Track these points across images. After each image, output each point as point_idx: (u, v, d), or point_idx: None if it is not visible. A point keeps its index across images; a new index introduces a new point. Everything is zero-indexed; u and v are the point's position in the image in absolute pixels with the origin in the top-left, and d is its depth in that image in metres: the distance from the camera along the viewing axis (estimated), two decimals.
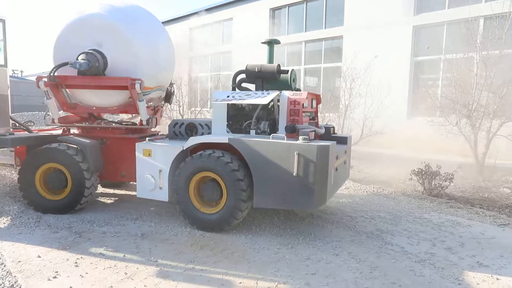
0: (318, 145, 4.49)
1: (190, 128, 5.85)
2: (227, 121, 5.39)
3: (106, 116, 7.11)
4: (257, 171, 4.74)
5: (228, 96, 5.23)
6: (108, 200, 6.55)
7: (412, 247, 4.72)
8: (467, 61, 11.45)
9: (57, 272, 3.85)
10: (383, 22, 13.26)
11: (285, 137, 4.74)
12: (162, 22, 6.77)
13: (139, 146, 5.43)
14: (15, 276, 3.74)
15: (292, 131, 4.91)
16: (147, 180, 5.38)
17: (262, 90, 5.59)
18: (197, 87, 19.77)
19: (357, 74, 10.82)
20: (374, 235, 5.10)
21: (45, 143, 5.70)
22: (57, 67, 5.48)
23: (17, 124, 6.25)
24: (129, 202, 6.44)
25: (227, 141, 4.89)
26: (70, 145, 5.63)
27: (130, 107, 6.03)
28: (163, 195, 5.33)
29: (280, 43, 5.92)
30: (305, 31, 16.23)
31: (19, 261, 4.08)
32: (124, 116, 8.48)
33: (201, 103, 17.07)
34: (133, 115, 6.96)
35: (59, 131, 6.36)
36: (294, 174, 4.53)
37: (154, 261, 4.15)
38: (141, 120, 5.98)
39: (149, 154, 5.37)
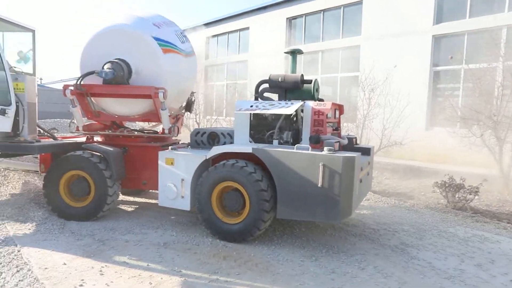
0: (343, 156, 4.44)
1: (212, 137, 5.86)
2: (249, 131, 5.39)
3: (127, 124, 7.16)
4: (281, 181, 4.71)
5: (251, 106, 5.23)
6: (129, 208, 6.59)
7: (440, 263, 4.59)
8: (490, 71, 11.32)
9: (83, 280, 3.86)
10: (402, 32, 13.17)
11: (310, 148, 4.70)
12: None
13: (162, 155, 5.45)
14: (42, 283, 3.77)
15: (316, 142, 4.87)
16: (169, 189, 5.39)
17: (285, 100, 5.58)
18: (212, 96, 19.89)
19: (376, 84, 10.72)
20: (398, 249, 4.99)
21: (70, 151, 5.78)
22: (84, 76, 5.57)
23: (42, 131, 6.36)
24: (150, 210, 6.46)
25: (250, 151, 4.87)
26: (94, 152, 5.70)
27: (152, 115, 6.08)
28: (185, 204, 5.33)
29: (303, 53, 5.92)
30: (322, 41, 16.23)
31: (46, 268, 4.11)
32: (141, 124, 8.60)
33: (217, 111, 17.16)
34: (155, 123, 7.01)
35: (83, 139, 6.44)
36: (319, 185, 4.48)
37: (178, 271, 4.13)
38: (163, 129, 6.01)
39: (172, 163, 5.39)
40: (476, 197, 7.00)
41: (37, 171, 6.51)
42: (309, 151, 4.60)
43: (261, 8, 18.67)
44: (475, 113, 9.01)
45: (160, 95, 5.54)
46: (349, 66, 15.07)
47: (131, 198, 7.22)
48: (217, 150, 5.12)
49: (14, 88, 5.24)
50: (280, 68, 17.86)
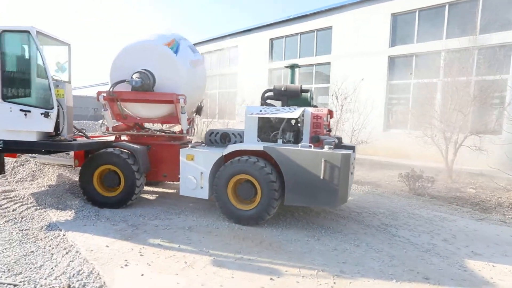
0: (342, 153, 4.40)
1: (224, 137, 5.68)
2: (257, 132, 5.25)
3: (147, 125, 6.86)
4: (289, 174, 4.62)
5: (260, 111, 5.10)
6: (151, 197, 6.31)
7: (416, 239, 4.64)
8: (432, 85, 11.68)
9: (126, 260, 3.64)
10: (364, 52, 13.37)
11: (312, 146, 4.63)
12: None
13: (183, 152, 5.24)
14: (91, 263, 3.53)
15: (316, 141, 4.82)
16: (190, 181, 5.19)
17: (287, 106, 5.48)
18: (208, 102, 19.50)
19: (347, 93, 10.81)
20: (381, 228, 5.01)
21: (102, 148, 5.47)
22: (115, 84, 5.28)
23: (76, 131, 5.98)
24: (169, 198, 6.22)
25: (262, 149, 4.75)
26: (123, 150, 5.41)
27: (172, 118, 5.84)
28: (204, 194, 5.15)
29: (300, 67, 5.83)
30: (299, 57, 16.22)
31: (92, 250, 3.85)
32: (156, 125, 8.27)
33: (211, 115, 16.84)
34: (172, 125, 6.74)
35: (111, 138, 6.11)
36: (321, 177, 4.42)
37: (206, 251, 3.96)
38: (181, 129, 5.78)
39: (192, 159, 5.19)
40: (432, 185, 7.16)
41: (71, 165, 6.11)
42: (313, 149, 4.53)
43: (247, 30, 18.47)
44: (422, 118, 9.27)
45: (181, 100, 5.33)
46: (322, 78, 15.17)
47: (151, 188, 6.93)
48: (232, 147, 4.97)
49: (55, 94, 4.87)
50: (264, 79, 17.86)
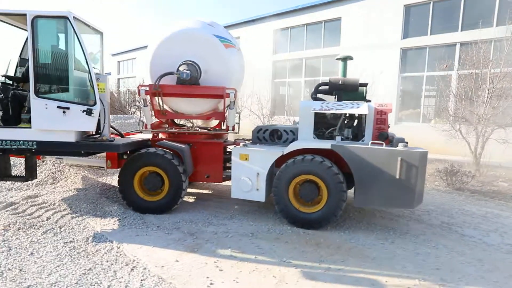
0: (420, 151, 4.12)
1: (274, 134, 5.28)
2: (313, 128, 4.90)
3: (180, 121, 6.36)
4: (359, 174, 4.30)
5: (321, 106, 4.73)
6: (189, 199, 5.85)
7: (487, 239, 4.45)
8: (447, 78, 11.64)
9: (208, 277, 3.23)
10: (375, 44, 13.15)
11: (384, 144, 4.32)
12: None
13: (236, 151, 4.81)
14: (170, 283, 3.09)
15: (385, 138, 4.51)
16: (244, 182, 4.78)
17: (342, 101, 5.14)
18: None
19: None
20: (445, 228, 4.80)
21: (144, 148, 4.96)
22: (161, 76, 4.75)
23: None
24: (210, 200, 5.79)
25: (329, 147, 4.40)
26: (167, 149, 4.93)
27: (216, 114, 5.39)
28: (260, 196, 4.76)
29: (353, 59, 5.48)
30: (305, 49, 15.86)
31: (162, 266, 3.41)
32: (181, 122, 7.74)
33: None
34: (206, 120, 6.26)
35: (147, 136, 5.58)
36: (397, 177, 4.13)
37: (287, 262, 3.61)
38: (227, 126, 5.33)
39: (246, 159, 4.77)
40: (472, 180, 7.05)
41: (103, 167, 5.56)
42: (387, 147, 4.22)
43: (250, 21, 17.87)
44: (446, 111, 9.18)
45: (231, 95, 4.88)
46: (329, 70, 14.89)
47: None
48: (295, 146, 4.59)
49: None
50: (269, 70, 17.32)
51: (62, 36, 4.28)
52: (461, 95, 8.58)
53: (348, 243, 4.12)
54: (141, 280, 3.16)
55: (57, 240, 4.01)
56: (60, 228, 4.33)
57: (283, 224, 4.65)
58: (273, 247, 3.97)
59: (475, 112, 8.04)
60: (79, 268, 3.40)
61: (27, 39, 5.05)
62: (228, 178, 5.40)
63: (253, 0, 64.95)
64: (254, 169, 4.73)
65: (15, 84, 4.79)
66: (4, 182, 6.01)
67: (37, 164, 6.47)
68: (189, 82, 4.77)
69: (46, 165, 6.49)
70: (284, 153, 4.61)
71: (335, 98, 5.39)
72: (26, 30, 5.01)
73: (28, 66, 4.49)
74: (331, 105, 4.71)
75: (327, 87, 5.23)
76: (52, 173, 6.30)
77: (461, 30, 11.55)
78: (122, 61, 29.70)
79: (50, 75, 4.26)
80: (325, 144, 4.46)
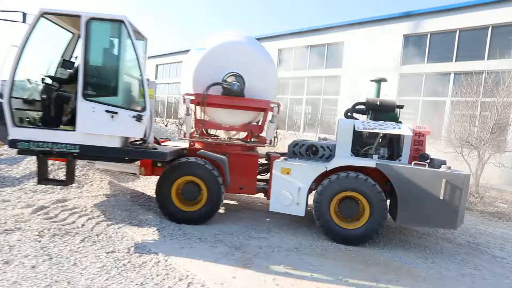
0: (464, 174, 4.00)
1: (309, 149, 5.06)
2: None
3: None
4: (403, 193, 4.13)
5: (364, 125, 4.57)
6: (220, 210, 5.49)
7: None
8: (441, 104, 11.89)
9: None
10: (375, 68, 13.29)
11: (427, 165, 4.18)
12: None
13: (277, 164, 4.55)
14: None
15: (425, 159, 4.37)
16: (285, 196, 4.51)
17: (378, 120, 5.00)
18: None
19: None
20: (474, 248, 4.67)
21: (182, 157, 4.63)
22: (210, 86, 4.47)
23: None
24: (241, 212, 5.46)
25: (374, 166, 4.22)
26: (207, 159, 4.61)
27: (254, 126, 5.13)
28: (300, 211, 4.49)
29: (386, 81, 5.39)
30: (308, 69, 15.92)
31: (222, 284, 3.07)
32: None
33: None
34: (235, 132, 5.97)
35: (183, 145, 5.24)
36: (440, 197, 3.98)
37: (344, 281, 3.35)
38: (265, 139, 5.07)
39: (288, 173, 4.51)
40: (481, 200, 7.03)
41: (135, 174, 5.15)
42: (432, 169, 4.08)
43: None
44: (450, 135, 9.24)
45: (275, 109, 4.65)
46: (331, 90, 14.96)
47: None
48: (339, 163, 4.39)
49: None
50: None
51: (115, 40, 3.95)
52: (467, 120, 8.67)
53: (393, 261, 3.90)
54: None
55: (98, 249, 3.59)
56: (98, 236, 3.90)
57: (323, 239, 4.39)
58: (322, 263, 3.69)
59: (480, 137, 8.12)
60: (130, 282, 3.02)
61: (70, 40, 4.71)
62: (260, 190, 5.12)
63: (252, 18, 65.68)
64: (296, 184, 4.48)
65: (57, 85, 4.38)
66: (25, 184, 5.49)
67: (59, 167, 5.99)
68: (235, 94, 4.51)
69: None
70: (327, 169, 4.39)
71: (367, 117, 5.26)
72: (70, 32, 4.69)
73: (76, 68, 4.13)
74: (373, 125, 4.56)
75: (363, 106, 5.09)
76: (76, 176, 5.80)
77: (455, 61, 11.88)
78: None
79: (100, 78, 3.91)
80: (370, 162, 4.27)
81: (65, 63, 4.54)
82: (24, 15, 3.77)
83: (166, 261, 3.44)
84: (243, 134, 5.54)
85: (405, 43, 13.00)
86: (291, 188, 4.49)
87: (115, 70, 3.89)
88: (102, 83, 3.92)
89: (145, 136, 4.15)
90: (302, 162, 4.57)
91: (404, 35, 12.93)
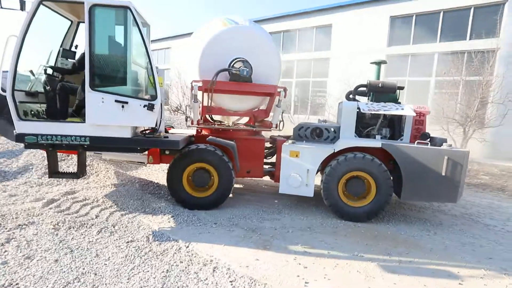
0: (464, 151, 4.13)
1: (315, 132, 5.07)
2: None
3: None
4: (407, 171, 4.24)
5: (369, 107, 4.59)
6: None
7: (509, 227, 4.60)
8: (425, 84, 12.10)
9: (299, 276, 2.98)
10: (362, 50, 13.31)
11: (429, 144, 4.29)
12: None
13: (286, 148, 4.56)
14: (265, 284, 2.81)
15: (426, 138, 4.48)
16: (293, 179, 4.55)
17: (379, 102, 5.04)
18: None
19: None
20: (467, 218, 4.90)
21: (191, 144, 4.55)
22: (219, 72, 4.33)
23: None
24: (248, 195, 5.47)
25: (380, 146, 4.30)
26: (217, 146, 4.56)
27: (260, 111, 5.07)
28: (309, 191, 4.56)
29: (386, 63, 5.40)
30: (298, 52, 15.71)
31: (247, 266, 3.11)
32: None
33: None
34: (238, 117, 5.87)
35: (189, 132, 5.13)
36: (442, 174, 4.12)
37: (359, 255, 3.45)
38: (270, 123, 5.03)
39: (297, 155, 4.53)
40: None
41: (143, 163, 5.03)
42: (435, 147, 4.19)
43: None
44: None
45: (282, 93, 4.60)
46: (320, 72, 14.88)
47: None
48: (345, 144, 4.43)
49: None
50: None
51: (120, 27, 3.72)
52: (452, 99, 8.90)
53: (400, 235, 4.06)
54: (230, 281, 2.85)
55: (117, 239, 3.53)
56: (114, 227, 3.83)
57: (331, 218, 4.50)
58: (336, 241, 3.79)
59: (466, 114, 8.38)
60: (156, 270, 3.00)
61: (69, 28, 4.42)
62: (267, 173, 5.14)
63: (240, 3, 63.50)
64: (305, 166, 4.51)
65: (59, 76, 4.13)
66: (29, 177, 5.28)
67: (61, 159, 5.78)
68: (243, 80, 4.41)
69: (72, 159, 5.79)
70: (335, 151, 4.43)
71: (368, 99, 5.28)
72: (68, 19, 4.38)
73: (80, 58, 3.89)
74: (377, 106, 4.59)
75: (365, 88, 5.10)
76: None
77: (439, 42, 12.01)
78: None
79: (107, 67, 3.70)
80: (376, 143, 4.34)
81: (65, 53, 4.27)
82: (23, 2, 3.47)
83: (187, 247, 3.44)
84: (245, 119, 5.48)
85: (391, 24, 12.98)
86: (300, 170, 4.52)
87: (123, 59, 3.69)
88: (110, 73, 3.72)
89: (156, 125, 4.01)
90: (310, 145, 4.58)
91: (390, 16, 12.89)
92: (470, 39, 11.08)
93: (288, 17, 15.66)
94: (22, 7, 3.50)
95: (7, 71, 3.45)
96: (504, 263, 3.46)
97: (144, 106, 3.71)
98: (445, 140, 4.32)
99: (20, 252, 3.14)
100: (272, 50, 4.71)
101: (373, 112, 4.56)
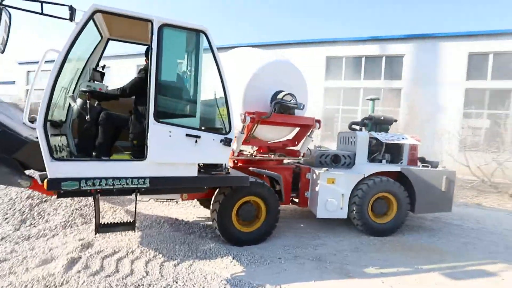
0: (453, 171, 4.94)
1: (334, 159, 5.19)
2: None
3: None
4: (420, 189, 4.81)
5: (386, 138, 5.04)
6: None
7: (485, 227, 5.54)
8: (504, 117, 10.82)
9: None
10: (439, 82, 12.15)
11: (430, 166, 4.96)
12: None
13: (323, 175, 4.54)
14: None
15: (424, 162, 5.17)
16: (330, 203, 4.55)
17: (375, 131, 5.53)
18: None
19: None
20: (447, 223, 5.69)
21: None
22: (276, 104, 4.00)
23: None
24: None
25: (399, 170, 4.74)
26: (263, 178, 4.18)
27: (289, 141, 4.93)
28: (343, 214, 4.63)
29: (379, 99, 6.00)
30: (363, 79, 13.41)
31: None
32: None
33: None
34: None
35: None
36: (442, 189, 4.81)
37: (419, 268, 3.64)
38: (298, 151, 4.89)
39: (333, 182, 4.56)
40: None
41: (174, 200, 4.12)
42: (438, 169, 4.87)
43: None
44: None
45: (317, 125, 4.60)
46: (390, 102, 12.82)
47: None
48: (374, 169, 4.72)
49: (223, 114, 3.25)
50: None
51: (191, 52, 3.07)
52: None
53: (421, 244, 4.46)
54: None
55: None
56: (177, 282, 3.01)
57: (360, 236, 4.65)
58: (387, 257, 3.92)
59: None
60: None
61: (97, 45, 3.40)
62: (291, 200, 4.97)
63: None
64: (340, 191, 4.56)
65: (95, 102, 3.07)
66: (3, 229, 3.66)
67: (43, 200, 4.27)
68: (289, 112, 4.21)
69: (62, 201, 4.30)
70: (365, 176, 4.64)
71: (365, 129, 5.75)
72: (100, 34, 3.38)
73: (133, 82, 3.02)
74: (390, 137, 5.07)
75: (369, 120, 5.56)
76: (77, 209, 4.22)
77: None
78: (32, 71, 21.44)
79: (176, 96, 2.97)
80: (395, 168, 4.77)
81: (94, 74, 3.23)
82: (73, 10, 2.50)
83: None
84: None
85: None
86: (336, 195, 4.55)
87: (194, 87, 3.04)
88: (179, 102, 3.00)
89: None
90: (344, 172, 4.67)
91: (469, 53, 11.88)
92: None
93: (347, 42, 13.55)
94: (72, 17, 2.52)
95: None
96: (508, 256, 4.18)
97: (221, 141, 3.11)
98: (438, 163, 5.07)
99: None
100: (304, 83, 4.69)
101: (393, 142, 4.99)
